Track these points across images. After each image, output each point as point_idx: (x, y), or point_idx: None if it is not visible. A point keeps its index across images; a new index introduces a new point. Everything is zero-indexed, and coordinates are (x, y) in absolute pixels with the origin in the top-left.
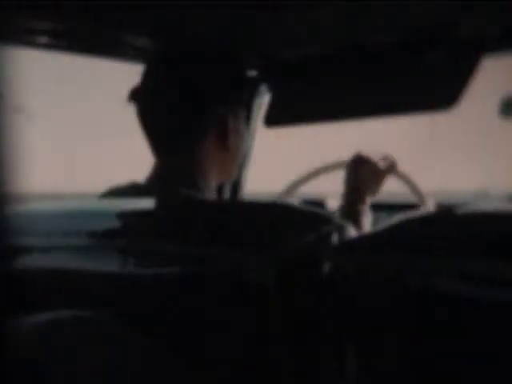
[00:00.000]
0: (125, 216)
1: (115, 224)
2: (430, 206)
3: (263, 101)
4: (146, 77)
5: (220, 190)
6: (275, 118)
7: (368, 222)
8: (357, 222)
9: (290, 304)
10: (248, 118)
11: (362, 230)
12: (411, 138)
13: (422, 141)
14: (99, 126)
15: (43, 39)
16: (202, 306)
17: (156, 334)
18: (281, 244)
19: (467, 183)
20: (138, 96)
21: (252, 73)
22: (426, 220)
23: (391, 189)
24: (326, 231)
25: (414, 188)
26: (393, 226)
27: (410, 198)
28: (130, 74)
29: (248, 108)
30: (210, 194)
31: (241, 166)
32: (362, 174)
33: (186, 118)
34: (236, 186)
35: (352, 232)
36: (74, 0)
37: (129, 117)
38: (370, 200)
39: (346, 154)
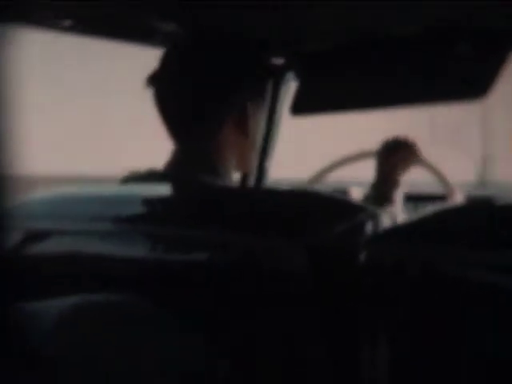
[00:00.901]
0: (147, 202)
1: (137, 210)
2: (458, 197)
3: (289, 89)
4: (166, 62)
5: (244, 178)
6: (301, 107)
7: (400, 196)
8: (388, 194)
9: (323, 293)
10: (274, 106)
11: (393, 203)
12: (437, 127)
13: (449, 130)
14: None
15: (65, 23)
16: (229, 294)
17: (181, 321)
18: (314, 233)
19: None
20: (156, 81)
21: (279, 61)
22: (464, 211)
23: (419, 179)
24: (359, 220)
25: (442, 178)
26: (428, 216)
27: (438, 189)
28: (149, 58)
29: (274, 96)
30: (230, 181)
31: (265, 154)
32: (399, 156)
33: (206, 104)
34: (260, 174)
35: (386, 221)
36: None
37: (148, 102)
38: (402, 176)
39: (371, 143)
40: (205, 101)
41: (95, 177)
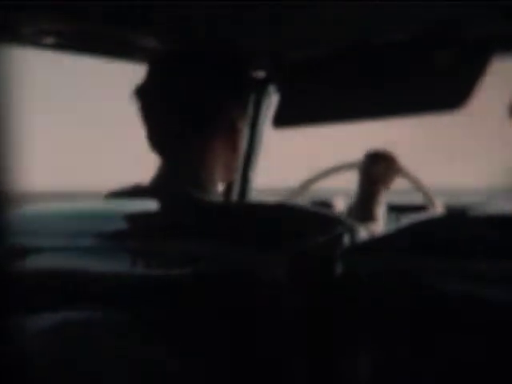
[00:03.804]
0: (132, 217)
1: (123, 225)
2: (438, 207)
3: (271, 101)
4: (153, 76)
5: (228, 189)
6: (283, 119)
7: (382, 212)
8: (371, 211)
9: (301, 305)
10: (256, 119)
11: (377, 220)
12: (420, 138)
13: (429, 141)
14: (104, 125)
15: (49, 40)
16: (213, 306)
17: (165, 335)
18: (292, 245)
19: (474, 183)
20: (143, 95)
21: (260, 73)
22: (440, 222)
23: (400, 190)
24: (337, 232)
25: (422, 189)
26: (406, 228)
27: (418, 199)
28: (135, 74)
29: (256, 108)
30: (216, 195)
31: (249, 165)
32: (380, 167)
33: (196, 119)
34: (244, 185)
35: (363, 234)
36: (81, 0)
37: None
38: (383, 192)
39: (354, 155)
40: (195, 116)
41: (85, 192)
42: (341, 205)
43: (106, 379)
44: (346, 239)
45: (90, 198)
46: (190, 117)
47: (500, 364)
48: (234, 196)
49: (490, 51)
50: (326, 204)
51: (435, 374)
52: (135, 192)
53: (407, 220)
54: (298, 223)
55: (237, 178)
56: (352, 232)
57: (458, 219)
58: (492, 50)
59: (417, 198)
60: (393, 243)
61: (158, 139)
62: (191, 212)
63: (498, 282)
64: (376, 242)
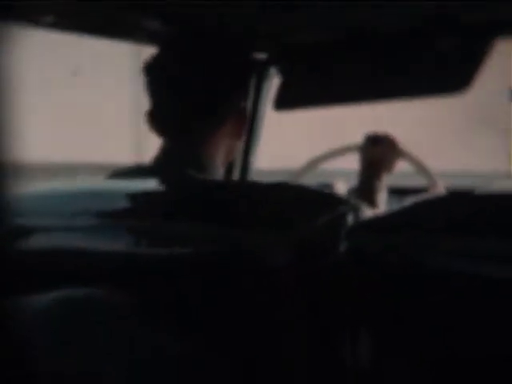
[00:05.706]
0: (134, 197)
1: (124, 204)
2: (441, 189)
3: (272, 84)
4: (159, 59)
5: (228, 173)
6: (284, 102)
7: (383, 199)
8: (372, 197)
9: (304, 285)
10: (257, 101)
11: (377, 206)
12: (421, 123)
13: (431, 125)
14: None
15: (52, 19)
16: (212, 288)
17: (165, 317)
18: (296, 225)
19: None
20: (151, 72)
21: (261, 55)
22: (443, 201)
23: (401, 172)
24: (341, 212)
25: (424, 171)
26: (409, 208)
27: (421, 181)
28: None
29: (257, 91)
30: (218, 177)
31: (250, 149)
32: (381, 150)
33: (198, 104)
34: (245, 169)
35: (367, 213)
36: None
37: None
38: (385, 177)
39: (355, 137)
40: (205, 103)
41: (85, 164)
42: (342, 188)
43: (104, 360)
44: (350, 219)
45: (88, 170)
46: (192, 102)
47: (507, 342)
48: (234, 178)
49: (490, 36)
50: (327, 187)
51: (438, 355)
52: (137, 172)
53: (411, 199)
54: (303, 203)
55: (237, 161)
56: (356, 212)
57: (462, 198)
58: (492, 34)
59: (420, 181)
60: (397, 222)
61: (161, 120)
62: (192, 192)
63: (502, 261)
64: (380, 222)
